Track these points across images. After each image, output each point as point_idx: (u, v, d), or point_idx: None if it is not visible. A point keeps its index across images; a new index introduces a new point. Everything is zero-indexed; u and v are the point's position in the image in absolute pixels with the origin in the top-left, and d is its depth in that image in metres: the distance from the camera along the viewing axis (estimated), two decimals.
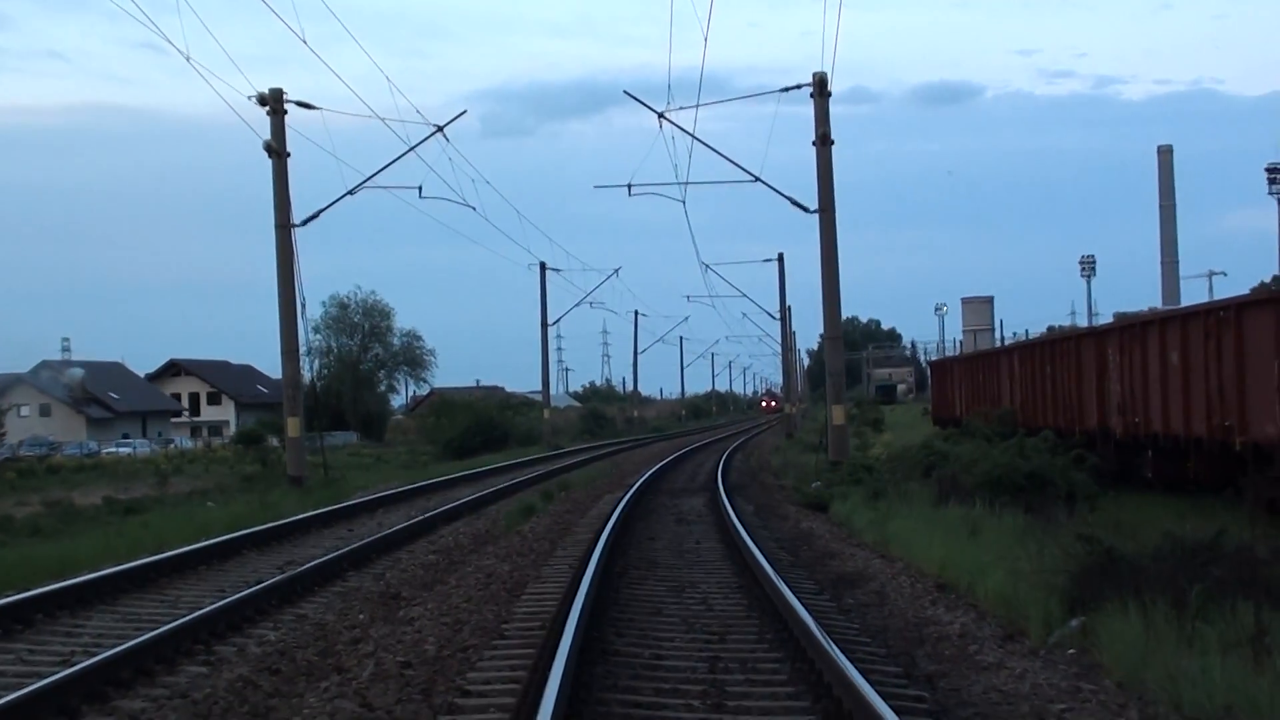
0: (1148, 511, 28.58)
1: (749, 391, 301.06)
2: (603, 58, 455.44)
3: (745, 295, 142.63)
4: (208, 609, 18.00)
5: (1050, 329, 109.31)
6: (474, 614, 18.02)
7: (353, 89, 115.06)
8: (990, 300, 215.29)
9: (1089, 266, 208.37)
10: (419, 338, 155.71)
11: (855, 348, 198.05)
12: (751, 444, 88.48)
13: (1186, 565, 15.79)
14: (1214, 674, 12.10)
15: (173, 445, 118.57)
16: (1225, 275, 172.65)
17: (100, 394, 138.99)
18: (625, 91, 60.49)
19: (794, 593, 17.50)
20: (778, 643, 15.87)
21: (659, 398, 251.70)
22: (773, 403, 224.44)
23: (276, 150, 47.03)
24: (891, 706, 11.08)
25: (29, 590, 19.65)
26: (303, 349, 51.23)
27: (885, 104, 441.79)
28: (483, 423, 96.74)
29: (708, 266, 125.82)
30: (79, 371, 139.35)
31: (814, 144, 43.74)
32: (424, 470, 64.78)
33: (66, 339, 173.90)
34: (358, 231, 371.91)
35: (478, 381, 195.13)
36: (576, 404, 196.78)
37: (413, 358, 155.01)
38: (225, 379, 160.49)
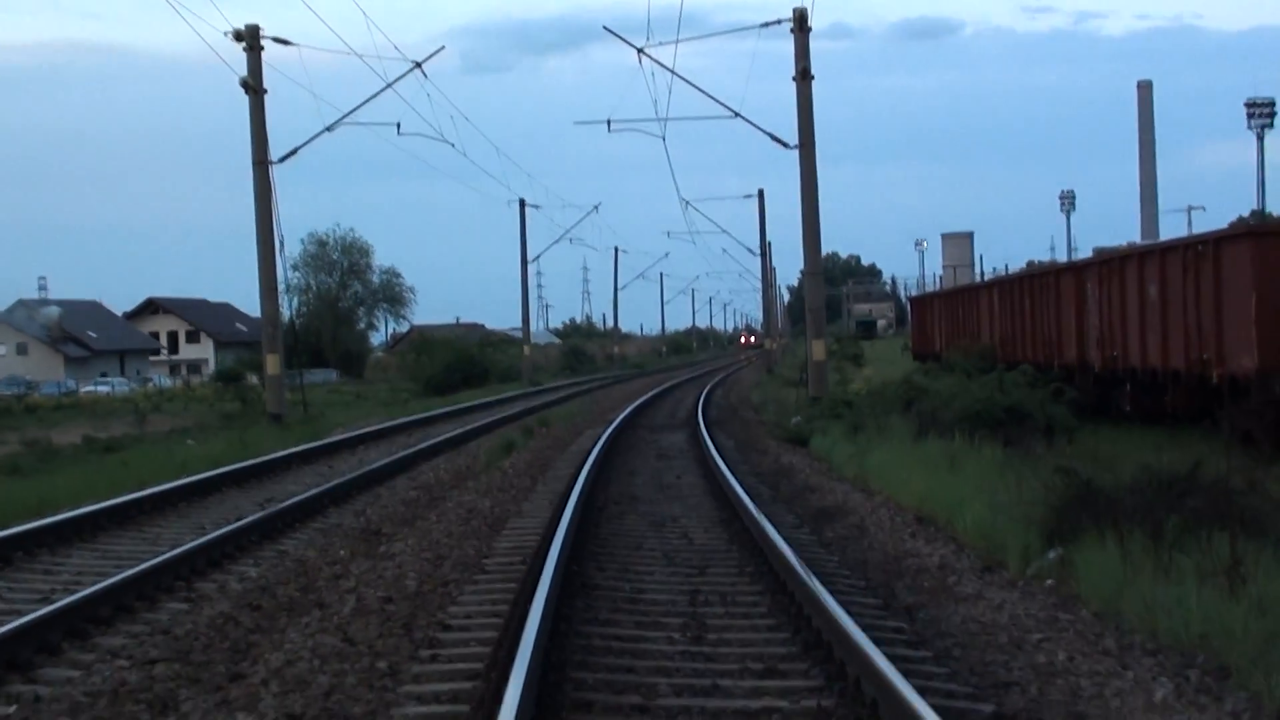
0: (1125, 444, 28.69)
1: (729, 328, 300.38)
2: None
3: (725, 231, 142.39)
4: (188, 546, 18.02)
5: (1030, 264, 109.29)
6: (455, 549, 18.08)
7: (330, 26, 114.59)
8: (970, 236, 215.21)
9: (1068, 202, 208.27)
10: (398, 275, 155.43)
11: (835, 283, 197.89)
12: (732, 380, 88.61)
13: (1163, 497, 15.87)
14: (1190, 603, 12.19)
15: (151, 384, 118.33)
16: (1204, 210, 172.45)
17: (78, 333, 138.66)
18: (604, 27, 60.39)
19: (774, 526, 17.56)
20: (758, 576, 15.95)
21: (639, 334, 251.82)
22: (751, 339, 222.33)
23: (253, 87, 46.85)
24: (871, 638, 11.14)
25: (8, 528, 19.62)
26: (281, 287, 51.20)
27: (865, 40, 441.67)
28: (463, 360, 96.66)
29: (688, 203, 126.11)
30: (55, 310, 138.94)
31: (794, 79, 43.63)
32: (404, 407, 64.75)
33: (43, 278, 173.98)
34: (337, 169, 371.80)
35: (458, 318, 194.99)
36: (557, 340, 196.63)
37: (392, 295, 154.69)
38: (204, 317, 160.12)
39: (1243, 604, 11.87)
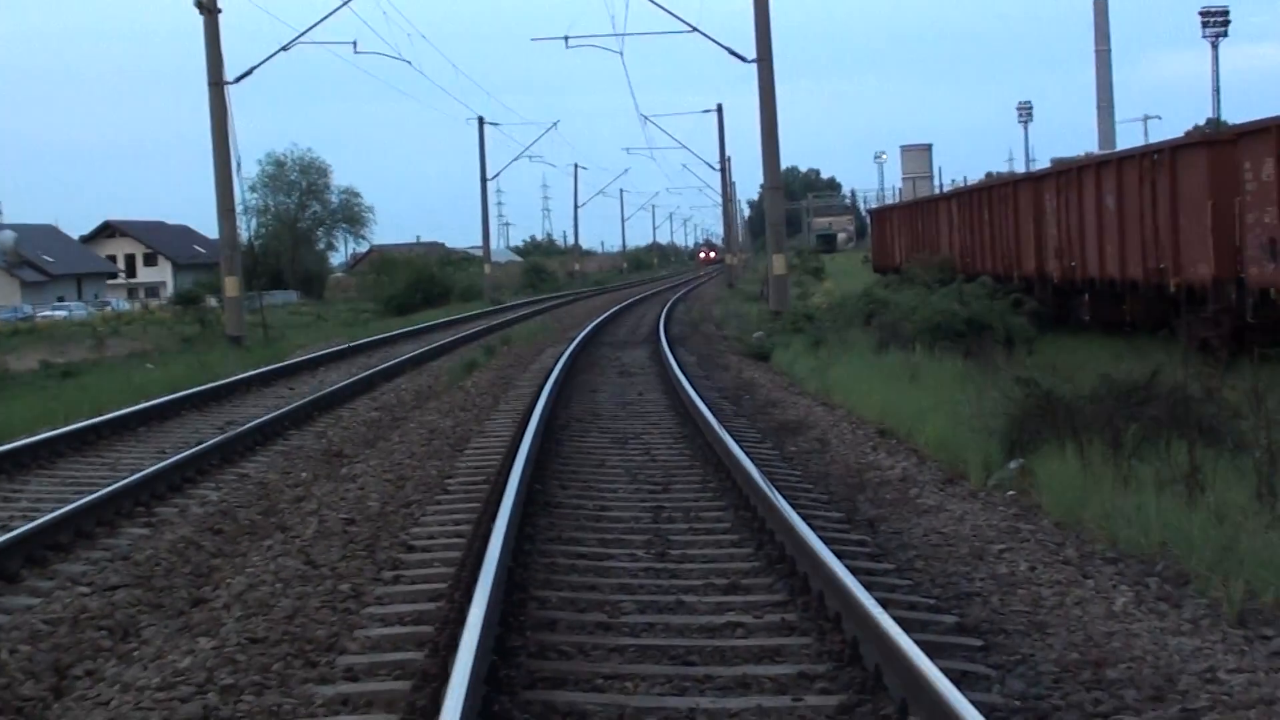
0: (1085, 354, 28.80)
1: (690, 243, 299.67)
2: None
3: (685, 147, 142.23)
4: (148, 470, 17.91)
5: (988, 175, 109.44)
6: (417, 470, 18.06)
7: None
8: (929, 148, 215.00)
9: (1026, 113, 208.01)
10: (357, 195, 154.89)
11: (795, 197, 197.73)
12: (693, 295, 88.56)
13: (1122, 406, 15.94)
14: (1149, 511, 12.25)
15: (109, 307, 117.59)
16: (1160, 120, 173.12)
17: (33, 257, 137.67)
18: None
19: (736, 441, 17.56)
20: (721, 491, 15.97)
21: (600, 251, 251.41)
22: (711, 254, 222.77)
23: (207, 6, 46.47)
24: (834, 551, 11.16)
25: None
26: (239, 208, 50.94)
27: None
28: (423, 279, 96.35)
29: (647, 118, 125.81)
30: (10, 234, 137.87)
31: None
32: (365, 328, 64.53)
33: None
34: (294, 89, 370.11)
35: (418, 238, 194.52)
36: (518, 259, 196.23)
37: (351, 215, 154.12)
38: (161, 240, 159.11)
39: (1201, 512, 11.94)
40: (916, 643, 8.60)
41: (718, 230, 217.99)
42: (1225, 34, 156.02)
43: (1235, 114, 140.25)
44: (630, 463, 18.57)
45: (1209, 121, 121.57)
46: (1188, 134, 31.47)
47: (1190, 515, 11.87)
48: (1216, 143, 28.26)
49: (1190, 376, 16.42)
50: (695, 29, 47.63)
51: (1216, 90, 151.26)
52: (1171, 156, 29.26)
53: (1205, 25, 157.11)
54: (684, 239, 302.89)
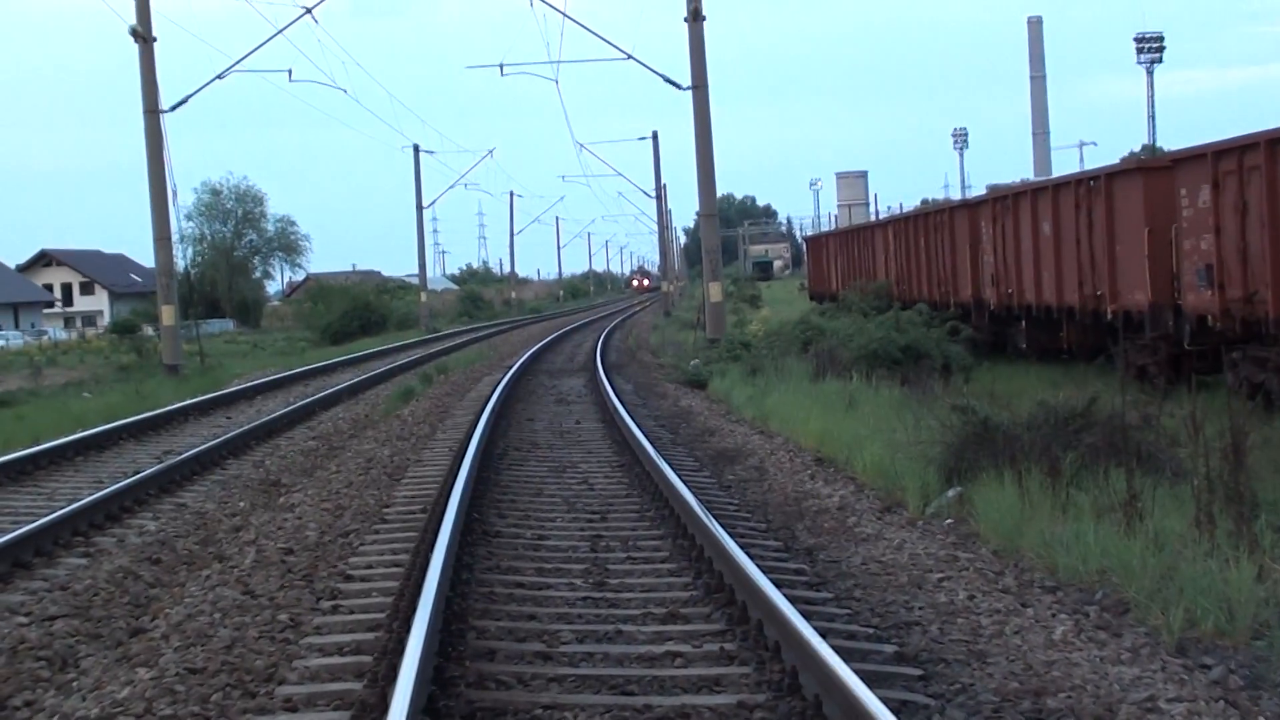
0: (1022, 381, 28.94)
1: (627, 270, 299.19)
2: None
3: (621, 174, 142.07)
4: (85, 500, 17.80)
5: (924, 202, 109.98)
6: (355, 499, 17.99)
7: None
8: (864, 175, 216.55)
9: (961, 139, 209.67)
10: (293, 223, 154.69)
11: (731, 225, 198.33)
12: (630, 323, 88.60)
13: (1060, 433, 16.00)
14: (1088, 539, 12.29)
15: (46, 336, 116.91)
16: (1096, 145, 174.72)
17: None
18: None
19: (674, 470, 17.58)
20: (659, 520, 15.95)
21: (537, 279, 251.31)
22: (645, 281, 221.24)
23: (142, 35, 46.31)
24: (772, 580, 11.16)
25: None
26: (175, 237, 50.83)
27: None
28: (359, 307, 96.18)
29: (582, 146, 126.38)
30: None
31: (685, 20, 43.51)
32: (301, 356, 64.39)
33: None
34: (229, 118, 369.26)
35: (354, 266, 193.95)
36: (454, 286, 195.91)
37: (287, 243, 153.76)
38: (98, 268, 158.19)
39: (1139, 539, 11.98)
40: (856, 672, 8.61)
41: (654, 257, 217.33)
42: (1160, 60, 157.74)
43: (1171, 140, 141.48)
44: (568, 491, 18.54)
45: (1145, 148, 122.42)
46: (1124, 160, 31.68)
47: (1129, 543, 11.90)
48: (1152, 169, 28.44)
49: (1128, 404, 16.48)
50: (630, 56, 47.69)
51: (1152, 116, 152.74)
52: (1108, 183, 29.44)
53: (1140, 51, 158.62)
54: (620, 267, 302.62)
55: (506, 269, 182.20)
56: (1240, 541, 11.49)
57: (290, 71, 51.11)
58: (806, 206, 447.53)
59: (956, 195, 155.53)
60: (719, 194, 48.60)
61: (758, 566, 11.62)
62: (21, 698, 10.19)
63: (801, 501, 17.23)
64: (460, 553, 13.55)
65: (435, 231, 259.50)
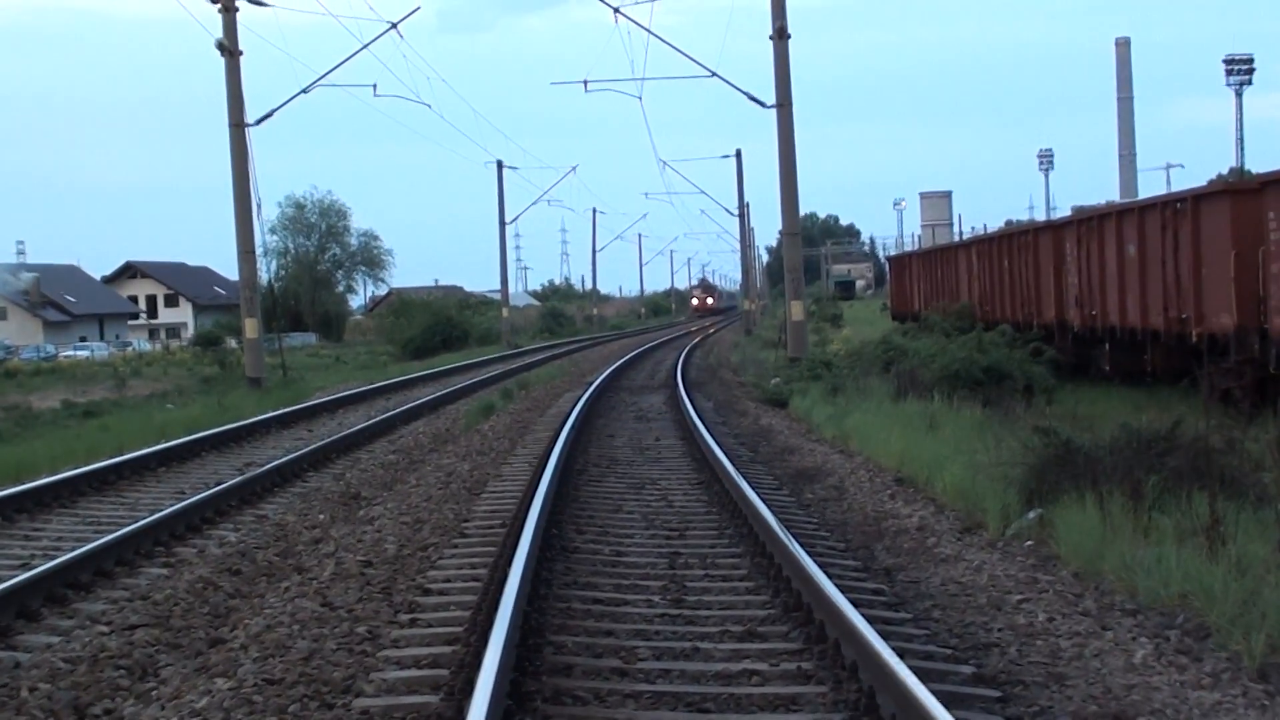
0: (1105, 404, 28.74)
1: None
2: None
3: (703, 192, 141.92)
4: (167, 510, 17.96)
5: (1008, 223, 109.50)
6: (434, 513, 18.05)
7: None
8: (949, 195, 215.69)
9: (1047, 160, 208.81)
10: (376, 237, 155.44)
11: (814, 244, 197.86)
12: (711, 341, 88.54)
13: (1143, 456, 15.88)
14: (1169, 563, 12.19)
15: (130, 348, 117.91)
16: (1183, 168, 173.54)
17: (56, 297, 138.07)
18: None
19: (753, 488, 17.55)
20: (737, 538, 15.94)
21: (618, 295, 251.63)
22: (708, 300, 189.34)
23: (229, 49, 46.69)
24: (850, 599, 11.13)
25: None
26: (259, 250, 51.10)
27: None
28: (441, 322, 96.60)
29: (665, 163, 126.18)
30: (32, 275, 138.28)
31: (771, 38, 43.51)
32: (383, 370, 64.69)
33: (21, 242, 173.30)
34: (314, 132, 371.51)
35: (436, 281, 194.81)
36: (535, 302, 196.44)
37: (370, 257, 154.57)
38: (182, 281, 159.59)
39: (1222, 564, 11.88)
40: (933, 693, 8.57)
41: (728, 272, 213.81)
42: (1249, 82, 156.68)
43: (1259, 163, 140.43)
44: (647, 508, 18.54)
45: (1232, 170, 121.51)
46: (1211, 183, 31.36)
47: (1211, 567, 11.80)
48: (1240, 192, 28.16)
49: (1212, 428, 16.36)
50: (715, 74, 47.74)
51: (1240, 139, 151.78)
52: (1194, 205, 29.20)
53: (1229, 73, 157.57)
54: None
55: (588, 285, 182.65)
56: None
57: (375, 86, 51.51)
58: (890, 226, 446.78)
59: (1041, 216, 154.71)
60: (802, 213, 48.58)
61: (836, 586, 11.60)
62: (101, 706, 10.30)
63: (881, 521, 17.18)
64: (538, 568, 13.58)
65: (518, 248, 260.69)
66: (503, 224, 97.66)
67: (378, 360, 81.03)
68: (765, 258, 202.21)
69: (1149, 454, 15.98)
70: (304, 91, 49.54)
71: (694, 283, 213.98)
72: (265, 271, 66.04)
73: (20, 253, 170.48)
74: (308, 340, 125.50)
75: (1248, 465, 16.04)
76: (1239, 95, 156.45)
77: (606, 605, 12.73)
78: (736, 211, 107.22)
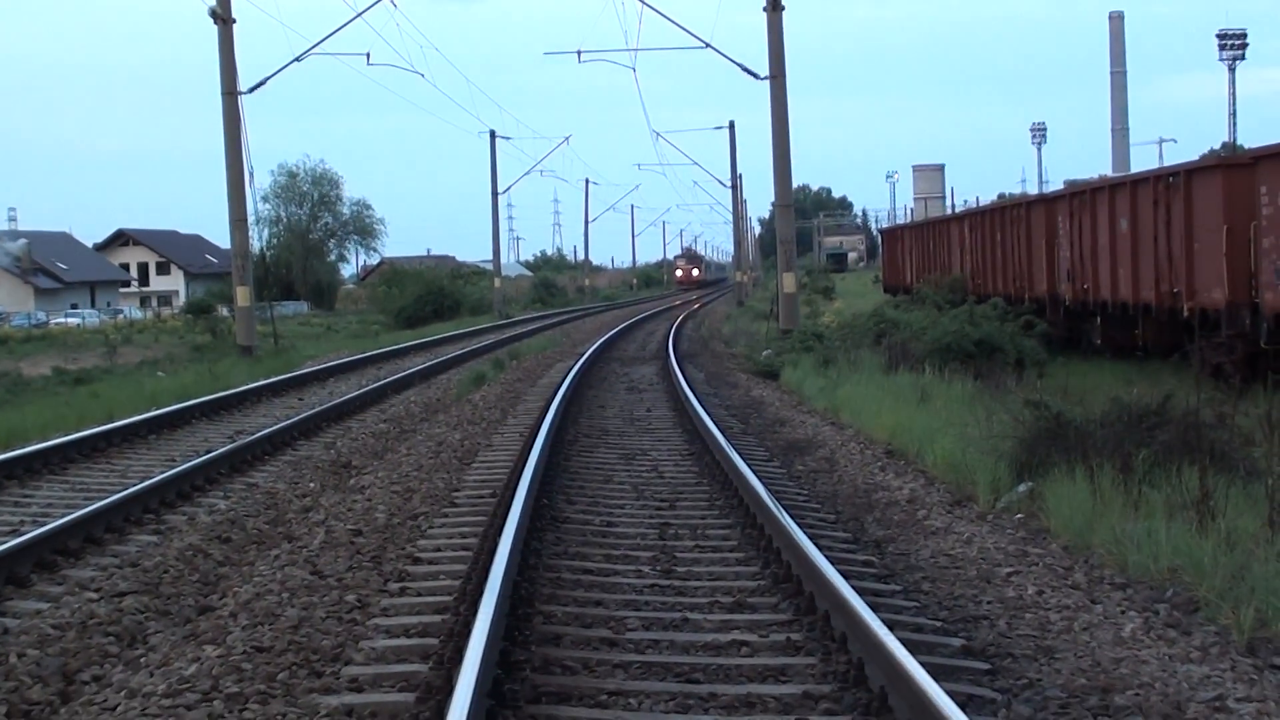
0: (1096, 377, 28.74)
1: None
2: None
3: (696, 164, 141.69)
4: (158, 478, 17.96)
5: (1001, 196, 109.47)
6: (424, 482, 18.04)
7: None
8: (941, 168, 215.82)
9: (1040, 134, 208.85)
10: (369, 206, 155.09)
11: (806, 216, 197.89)
12: (703, 313, 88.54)
13: (1133, 430, 15.88)
14: (1160, 537, 12.20)
15: (122, 315, 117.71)
16: (1176, 142, 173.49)
17: (47, 264, 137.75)
18: None
19: (744, 459, 17.55)
20: (728, 509, 15.94)
21: (610, 266, 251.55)
22: (693, 271, 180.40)
23: (222, 16, 46.59)
24: (840, 571, 11.14)
25: None
26: (251, 218, 51.13)
27: None
28: (433, 292, 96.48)
29: (659, 134, 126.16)
30: (23, 241, 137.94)
31: (764, 9, 43.42)
32: (374, 340, 64.66)
33: (13, 209, 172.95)
34: (306, 100, 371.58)
35: (428, 250, 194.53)
36: (528, 273, 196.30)
37: (363, 227, 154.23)
38: (174, 249, 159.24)
39: (1212, 538, 11.88)
40: (922, 665, 8.57)
41: (717, 242, 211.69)
42: (1243, 57, 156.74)
43: (1252, 138, 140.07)
44: (637, 479, 18.54)
45: (1225, 145, 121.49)
46: (1203, 157, 31.32)
47: (1201, 542, 11.81)
48: (1233, 166, 28.16)
49: (1203, 402, 16.37)
50: (708, 45, 47.66)
51: (1233, 113, 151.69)
52: (1187, 179, 29.19)
53: (1222, 48, 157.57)
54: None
55: (580, 256, 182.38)
56: None
57: (369, 55, 51.39)
58: (882, 199, 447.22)
59: (1034, 190, 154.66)
60: (795, 185, 48.54)
61: (826, 557, 11.60)
62: (90, 672, 10.30)
63: (871, 494, 17.19)
64: (528, 538, 13.57)
65: (510, 218, 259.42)
66: (495, 194, 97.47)
67: (369, 329, 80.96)
68: (758, 230, 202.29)
69: (1140, 428, 15.98)
70: (297, 60, 49.63)
71: (679, 253, 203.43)
72: (257, 240, 66.11)
73: (12, 219, 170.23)
74: (299, 309, 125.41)
75: (1238, 440, 16.04)
76: (1232, 70, 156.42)
77: (596, 575, 12.73)
78: (729, 183, 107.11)
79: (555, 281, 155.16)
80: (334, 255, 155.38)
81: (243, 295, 48.21)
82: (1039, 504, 14.86)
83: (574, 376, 31.91)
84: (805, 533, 12.72)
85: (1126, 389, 20.87)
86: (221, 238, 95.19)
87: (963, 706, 8.00)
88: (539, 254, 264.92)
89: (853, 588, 10.54)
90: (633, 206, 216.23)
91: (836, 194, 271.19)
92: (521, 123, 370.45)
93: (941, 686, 8.18)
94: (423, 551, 13.73)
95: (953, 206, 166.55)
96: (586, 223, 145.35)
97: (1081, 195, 36.98)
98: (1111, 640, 10.31)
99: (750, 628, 10.81)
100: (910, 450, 19.65)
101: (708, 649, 10.32)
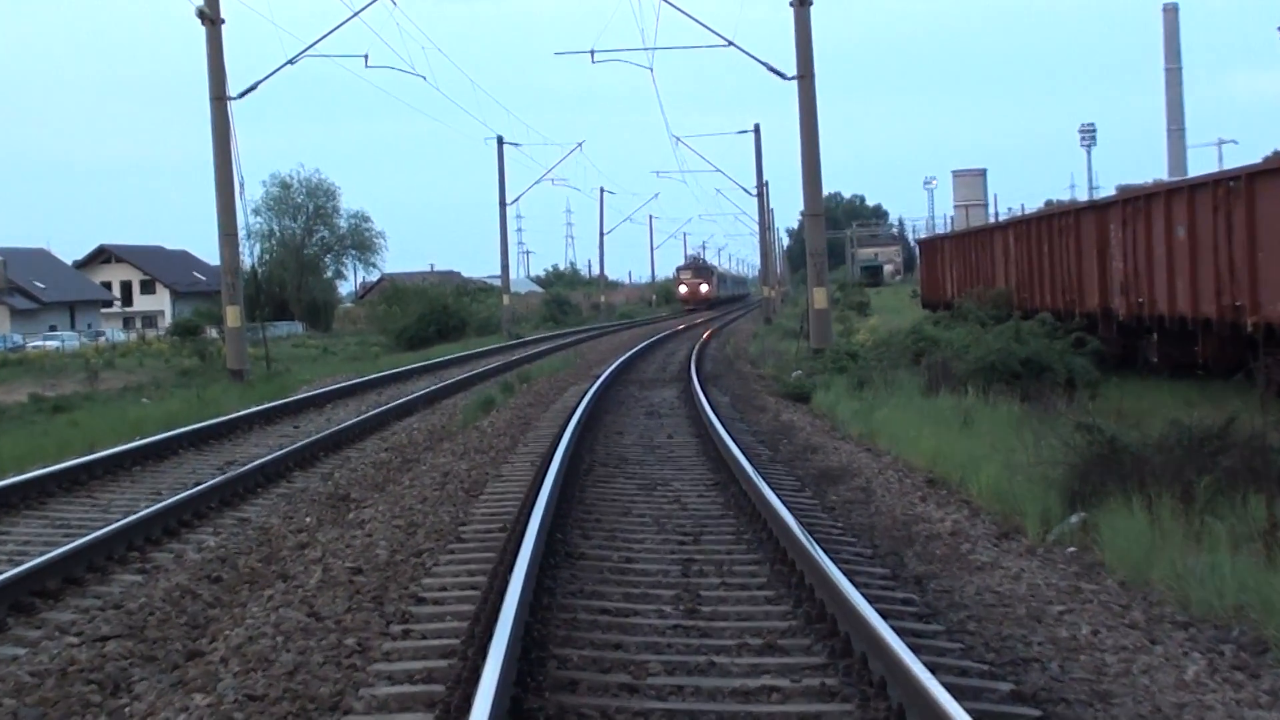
0: (1153, 398, 28.69)
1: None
2: None
3: (719, 170, 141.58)
4: (143, 513, 17.96)
5: (1048, 203, 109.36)
6: (429, 516, 18.03)
7: None
8: (983, 173, 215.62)
9: (1089, 135, 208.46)
10: (367, 219, 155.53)
11: (838, 226, 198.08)
12: (727, 330, 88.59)
13: (1194, 455, 15.84)
14: (1223, 571, 12.16)
15: (104, 338, 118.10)
16: (1236, 144, 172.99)
17: (24, 283, 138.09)
18: None
19: (773, 489, 17.52)
20: (756, 543, 15.91)
21: (627, 281, 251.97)
22: (700, 286, 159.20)
23: (210, 17, 46.72)
24: (878, 610, 11.10)
25: None
26: (242, 232, 51.12)
27: None
28: (437, 310, 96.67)
29: (678, 139, 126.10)
30: None
31: (791, 5, 43.47)
32: (374, 362, 64.76)
33: None
34: (301, 106, 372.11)
35: (432, 266, 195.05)
36: (538, 289, 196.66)
37: (361, 241, 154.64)
38: (159, 266, 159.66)
39: None
40: (969, 712, 8.54)
41: (745, 255, 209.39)
42: None
43: None
44: (658, 511, 18.51)
45: None
46: (1266, 159, 31.21)
47: (1269, 576, 11.77)
48: None
49: (1269, 424, 16.32)
50: (731, 43, 47.70)
51: None
52: (1249, 183, 29.11)
53: None
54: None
55: (595, 271, 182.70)
56: None
57: (367, 57, 51.36)
58: (920, 207, 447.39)
59: (1083, 196, 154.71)
60: (826, 192, 48.62)
61: (863, 595, 11.56)
62: None
63: (911, 526, 17.15)
64: (541, 575, 13.55)
65: (519, 230, 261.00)
66: (503, 205, 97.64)
67: (369, 351, 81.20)
68: (786, 241, 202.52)
69: (1201, 453, 15.94)
70: (290, 62, 49.59)
71: (683, 263, 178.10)
72: (248, 256, 66.05)
73: None
74: (294, 330, 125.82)
75: None
76: None
77: (615, 616, 12.70)
78: (755, 191, 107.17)
79: (568, 298, 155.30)
80: (331, 272, 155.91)
81: (233, 315, 48.25)
82: (1093, 536, 14.82)
83: (589, 400, 31.91)
84: (840, 568, 12.68)
85: (1186, 410, 20.84)
86: (210, 254, 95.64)
87: None
88: (550, 269, 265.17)
89: (892, 627, 10.50)
90: (651, 217, 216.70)
91: (870, 202, 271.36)
92: (531, 128, 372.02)
93: None
94: (427, 591, 13.71)
95: (996, 215, 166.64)
96: (601, 235, 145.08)
97: (1135, 201, 36.92)
98: (1173, 684, 10.27)
99: (781, 672, 10.77)
100: (953, 479, 19.61)
101: (736, 695, 10.28)
